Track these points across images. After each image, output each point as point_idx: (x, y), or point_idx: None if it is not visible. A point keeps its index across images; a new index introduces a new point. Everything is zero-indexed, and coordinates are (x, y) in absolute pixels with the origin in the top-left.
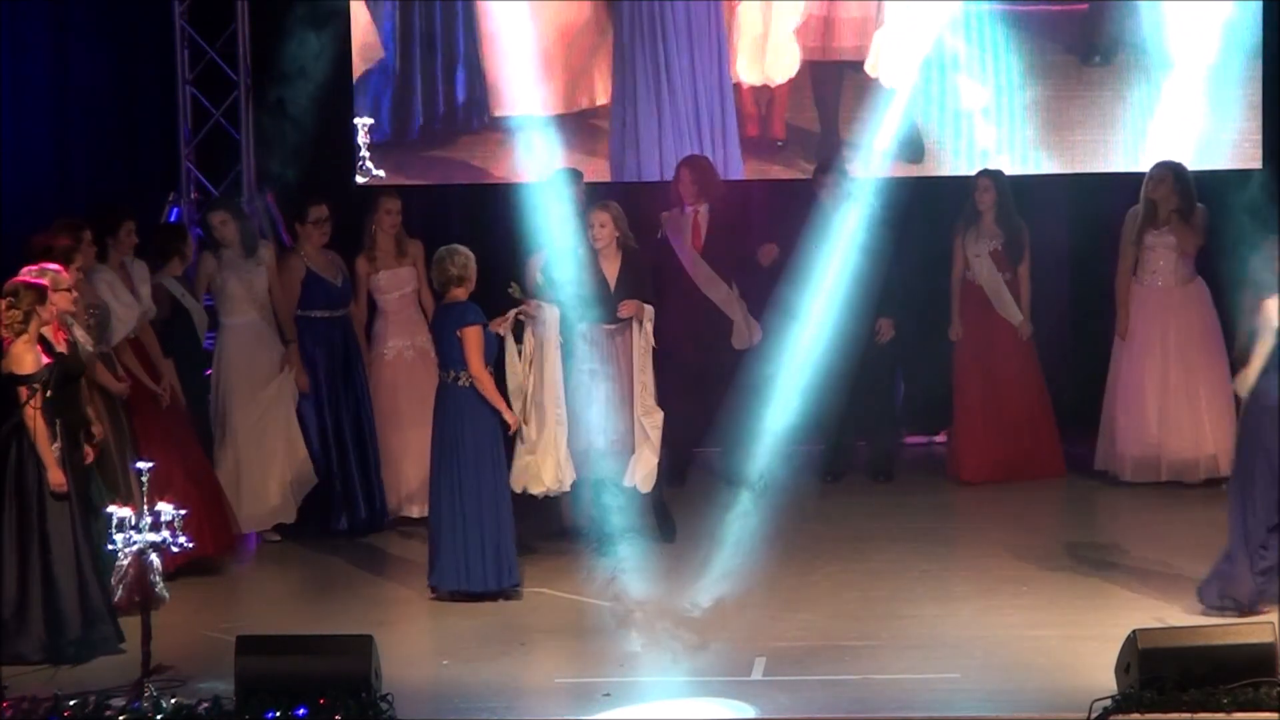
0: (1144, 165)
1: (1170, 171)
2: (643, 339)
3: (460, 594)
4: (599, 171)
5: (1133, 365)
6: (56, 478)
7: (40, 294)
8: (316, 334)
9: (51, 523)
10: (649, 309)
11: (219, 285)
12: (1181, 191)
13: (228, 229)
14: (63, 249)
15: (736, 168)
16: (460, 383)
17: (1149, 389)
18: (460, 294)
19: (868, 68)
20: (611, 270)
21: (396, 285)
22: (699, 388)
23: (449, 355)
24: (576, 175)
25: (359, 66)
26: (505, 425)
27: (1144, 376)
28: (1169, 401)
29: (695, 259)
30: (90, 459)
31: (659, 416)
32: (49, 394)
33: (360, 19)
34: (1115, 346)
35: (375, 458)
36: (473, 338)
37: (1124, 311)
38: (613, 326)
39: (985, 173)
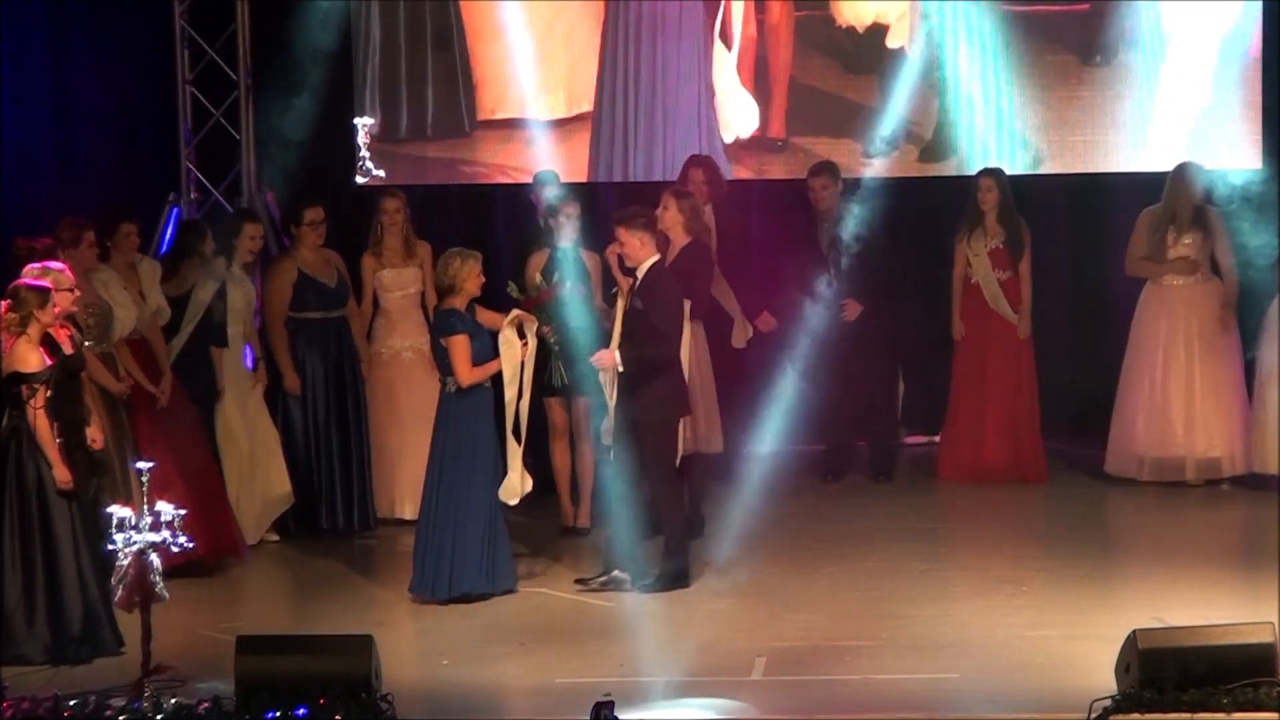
0: (1144, 166)
1: (1179, 175)
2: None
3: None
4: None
5: (1141, 364)
6: (63, 475)
7: (43, 297)
8: (310, 335)
9: (53, 522)
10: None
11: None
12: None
13: (254, 244)
14: (45, 249)
15: (724, 168)
16: (449, 389)
17: (1152, 387)
18: (455, 302)
19: (891, 41)
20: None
21: (400, 285)
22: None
23: (440, 363)
24: (553, 176)
25: (359, 66)
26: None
27: (1148, 375)
28: (1171, 400)
29: None
30: (99, 445)
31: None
32: (49, 393)
33: (360, 19)
34: (1127, 351)
35: (363, 461)
36: (456, 346)
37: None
38: None
39: (987, 172)
